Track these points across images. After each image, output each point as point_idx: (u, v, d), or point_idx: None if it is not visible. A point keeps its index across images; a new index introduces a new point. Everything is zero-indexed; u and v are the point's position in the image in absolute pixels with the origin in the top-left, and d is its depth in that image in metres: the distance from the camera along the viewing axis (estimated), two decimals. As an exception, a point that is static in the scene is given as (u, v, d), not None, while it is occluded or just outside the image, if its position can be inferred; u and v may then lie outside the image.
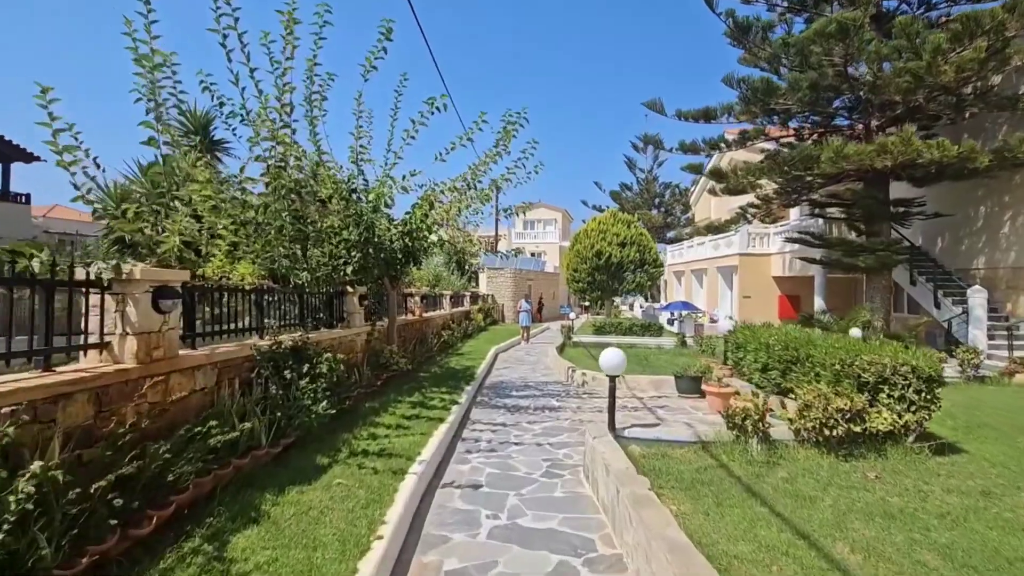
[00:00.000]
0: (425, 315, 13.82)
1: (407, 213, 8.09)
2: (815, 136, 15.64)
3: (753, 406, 4.78)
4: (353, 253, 7.74)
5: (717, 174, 15.04)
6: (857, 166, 12.10)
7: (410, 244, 8.40)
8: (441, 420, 6.47)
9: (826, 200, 15.51)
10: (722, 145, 16.42)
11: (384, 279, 9.17)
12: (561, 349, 16.28)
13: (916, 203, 14.28)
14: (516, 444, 6.19)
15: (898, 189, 14.73)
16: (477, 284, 31.15)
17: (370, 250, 7.92)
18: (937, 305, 13.67)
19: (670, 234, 36.25)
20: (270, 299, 6.36)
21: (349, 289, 8.47)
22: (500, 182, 7.82)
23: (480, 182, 8.18)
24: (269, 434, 4.56)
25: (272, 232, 5.81)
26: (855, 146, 11.60)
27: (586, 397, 9.04)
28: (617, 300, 33.48)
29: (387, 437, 5.59)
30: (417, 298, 13.45)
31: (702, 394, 8.66)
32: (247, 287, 5.56)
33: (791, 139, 16.22)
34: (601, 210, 33.93)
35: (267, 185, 6.08)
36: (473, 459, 5.61)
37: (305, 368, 5.43)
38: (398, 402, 7.36)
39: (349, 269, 7.75)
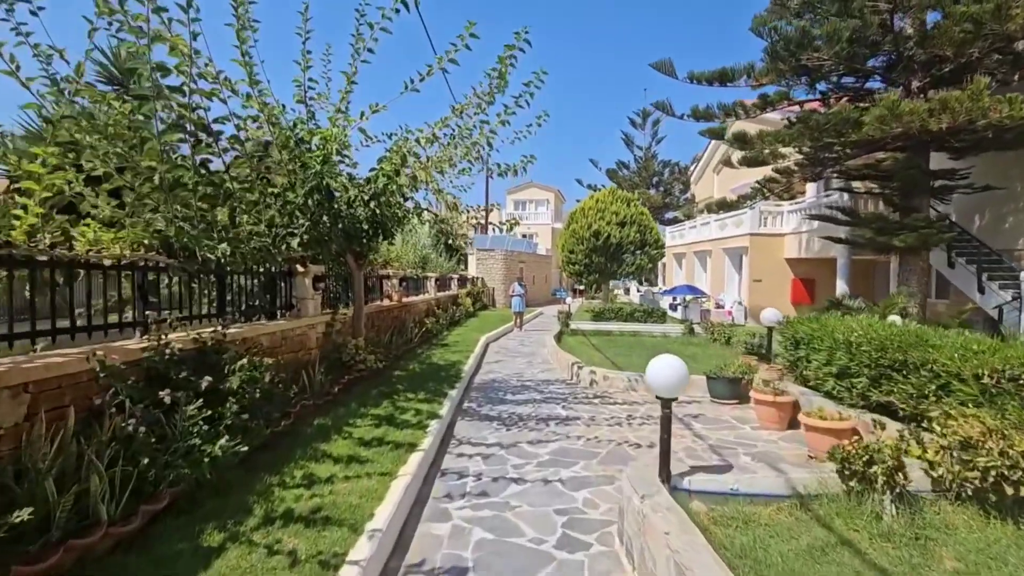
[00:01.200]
0: (405, 300, 12.02)
1: (372, 170, 6.23)
2: (843, 102, 13.93)
3: (889, 449, 3.10)
4: (299, 220, 5.90)
5: (741, 139, 13.30)
6: (906, 128, 10.42)
7: (378, 211, 6.57)
8: (413, 446, 4.73)
9: (859, 172, 13.87)
10: (739, 111, 14.64)
11: (347, 256, 7.34)
12: (559, 338, 14.62)
13: (959, 175, 12.69)
14: (516, 481, 4.48)
15: (932, 161, 13.13)
16: (466, 267, 29.33)
17: (324, 217, 6.07)
18: (981, 290, 12.19)
19: (669, 215, 34.58)
20: (170, 280, 4.52)
21: (299, 268, 6.63)
22: (496, 126, 5.95)
23: (470, 132, 6.31)
24: (118, 500, 2.79)
25: (160, 183, 3.93)
26: (911, 103, 9.90)
27: (598, 402, 7.36)
28: (612, 284, 31.95)
29: (331, 481, 3.84)
30: (395, 281, 11.63)
31: (739, 398, 7.05)
32: (107, 261, 3.70)
33: (816, 106, 14.49)
34: (596, 189, 32.07)
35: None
36: (456, 511, 3.90)
37: (204, 384, 3.64)
38: (360, 416, 5.60)
39: (295, 242, 5.90)
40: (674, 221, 33.46)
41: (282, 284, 6.65)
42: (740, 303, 18.56)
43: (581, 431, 5.93)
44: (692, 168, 33.83)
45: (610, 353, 11.75)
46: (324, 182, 5.72)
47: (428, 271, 21.25)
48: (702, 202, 28.34)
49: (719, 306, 20.06)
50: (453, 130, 6.18)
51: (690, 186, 33.17)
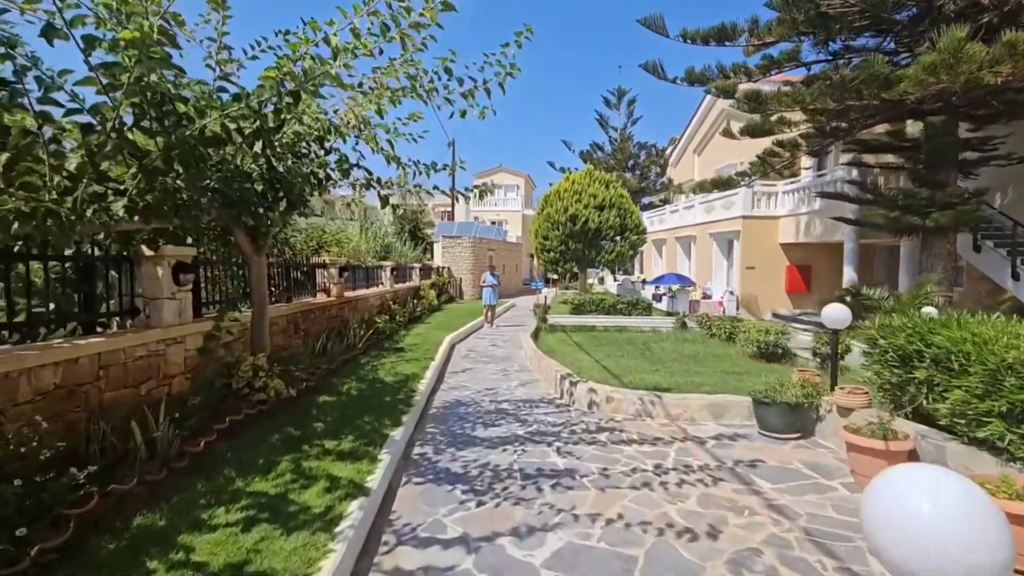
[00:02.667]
0: (349, 295, 9.63)
1: (259, 86, 3.82)
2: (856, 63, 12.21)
3: None
4: (123, 169, 3.50)
5: (754, 99, 11.35)
6: (952, 82, 8.69)
7: (274, 160, 4.21)
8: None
9: (876, 143, 12.23)
10: (741, 73, 12.75)
11: (236, 233, 4.94)
12: (536, 335, 12.53)
13: (990, 145, 11.19)
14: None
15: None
16: (432, 256, 26.89)
17: (177, 168, 3.68)
18: (1016, 276, 10.76)
19: (645, 199, 32.92)
20: None
21: (146, 251, 4.21)
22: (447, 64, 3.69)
23: (418, 52, 4.00)
24: None
25: None
26: (975, 46, 8.13)
27: (605, 439, 5.24)
28: (589, 273, 30.04)
29: None
30: (334, 271, 9.19)
31: (800, 431, 5.09)
32: None
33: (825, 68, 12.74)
34: (570, 172, 29.92)
35: None
36: None
37: None
38: (227, 502, 3.30)
39: (120, 206, 3.49)
40: (651, 206, 31.82)
41: (121, 275, 4.21)
42: (731, 293, 16.91)
43: (591, 502, 3.80)
44: (670, 150, 32.20)
45: (599, 354, 9.73)
46: (160, 94, 3.30)
47: (394, 260, 18.87)
48: (684, 184, 26.73)
49: (706, 296, 18.41)
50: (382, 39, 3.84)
51: (667, 169, 31.56)
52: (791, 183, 16.64)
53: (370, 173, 5.15)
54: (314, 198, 5.34)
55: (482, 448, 4.93)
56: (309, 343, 7.43)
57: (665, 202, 30.99)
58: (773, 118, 12.12)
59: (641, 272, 29.65)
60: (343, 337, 8.42)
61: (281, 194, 4.51)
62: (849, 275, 13.83)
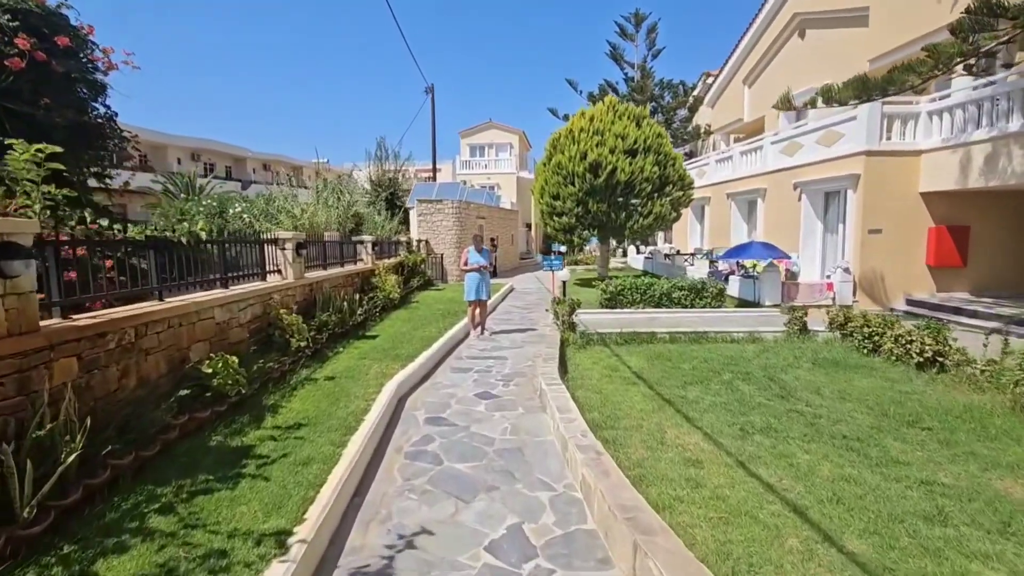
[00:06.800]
0: (94, 321, 3.83)
1: None
2: None
3: None
4: None
5: None
6: None
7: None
8: None
9: None
10: None
11: None
12: (563, 362, 6.85)
13: None
14: None
15: None
16: (408, 227, 20.95)
17: None
18: None
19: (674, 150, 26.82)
20: None
21: None
22: None
23: None
24: None
25: None
26: None
27: None
28: (589, 246, 24.03)
29: None
30: None
31: None
32: None
33: None
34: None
35: None
36: None
37: None
38: None
39: None
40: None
41: None
42: (845, 270, 11.19)
43: None
44: (700, 89, 25.93)
45: (718, 421, 4.06)
46: None
47: (364, 235, 13.51)
48: (730, 126, 20.62)
49: (790, 274, 12.65)
50: None
51: (697, 109, 25.36)
52: (943, 97, 10.71)
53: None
54: None
55: None
56: None
57: (692, 155, 24.94)
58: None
59: (670, 243, 23.82)
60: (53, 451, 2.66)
61: None
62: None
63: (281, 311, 6.11)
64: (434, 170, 27.16)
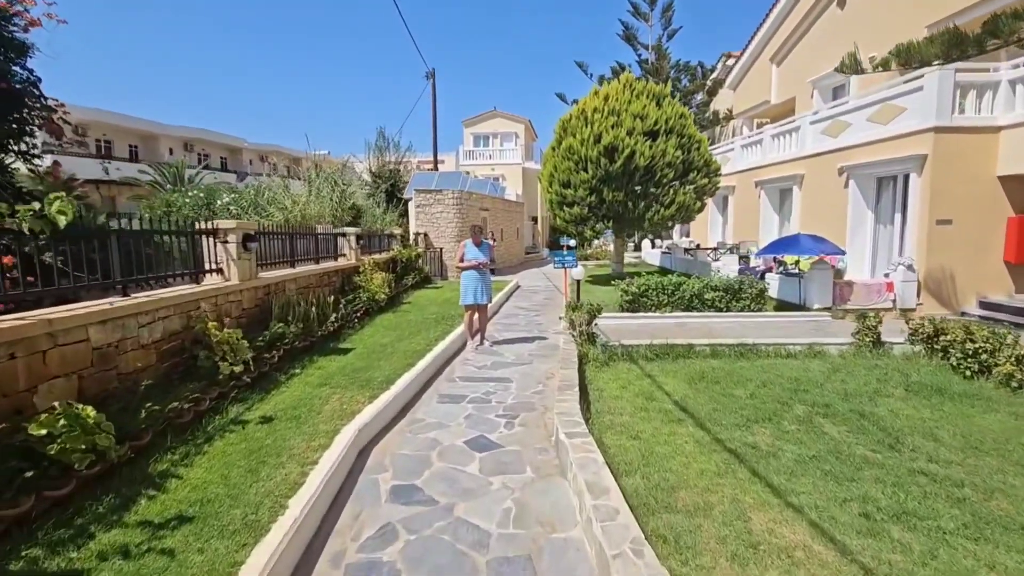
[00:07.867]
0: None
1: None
2: None
3: None
4: None
5: None
6: None
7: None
8: None
9: None
10: None
11: None
12: (584, 390, 5.28)
13: None
14: None
15: None
16: (407, 219, 19.46)
17: None
18: None
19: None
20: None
21: None
22: None
23: None
24: None
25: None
26: None
27: None
28: (599, 240, 22.42)
29: None
30: None
31: None
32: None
33: None
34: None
35: None
36: None
37: None
38: None
39: None
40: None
41: None
42: (909, 268, 9.54)
43: None
44: (718, 70, 24.11)
45: (820, 494, 2.43)
46: None
47: (362, 228, 12.33)
48: (754, 109, 18.84)
49: (837, 272, 10.97)
50: None
51: (716, 92, 23.57)
52: (1027, 63, 8.99)
53: None
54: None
55: None
56: None
57: (712, 141, 23.20)
58: None
59: (687, 236, 22.14)
60: None
61: None
62: None
63: (210, 324, 4.59)
64: (435, 159, 25.57)
